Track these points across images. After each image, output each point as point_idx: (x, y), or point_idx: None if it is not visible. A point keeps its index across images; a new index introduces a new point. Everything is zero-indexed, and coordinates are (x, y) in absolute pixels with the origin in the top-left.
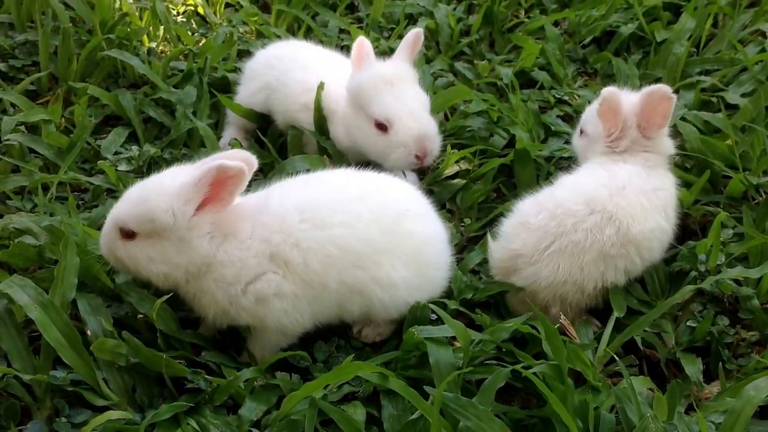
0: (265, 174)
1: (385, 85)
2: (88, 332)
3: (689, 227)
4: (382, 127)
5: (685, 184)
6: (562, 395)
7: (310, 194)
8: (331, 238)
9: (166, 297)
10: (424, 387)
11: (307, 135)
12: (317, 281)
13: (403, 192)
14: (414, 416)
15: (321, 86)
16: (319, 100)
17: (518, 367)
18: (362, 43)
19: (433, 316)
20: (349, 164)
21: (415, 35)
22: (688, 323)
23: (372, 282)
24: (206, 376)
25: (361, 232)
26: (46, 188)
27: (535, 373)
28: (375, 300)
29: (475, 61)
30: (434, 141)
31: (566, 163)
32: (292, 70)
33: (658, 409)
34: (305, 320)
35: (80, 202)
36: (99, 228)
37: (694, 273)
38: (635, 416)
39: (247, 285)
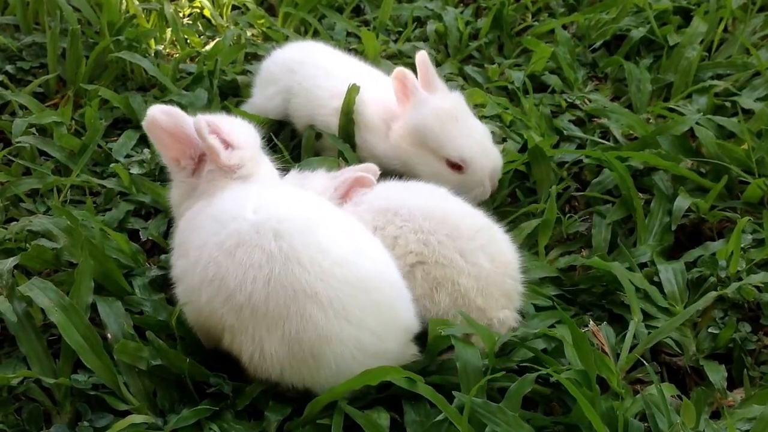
0: None
1: (451, 122)
2: (109, 336)
3: (704, 233)
4: (456, 166)
5: (701, 189)
6: (591, 402)
7: None
8: None
9: (186, 303)
10: (452, 392)
11: (325, 138)
12: None
13: None
14: (438, 418)
15: (355, 90)
16: (350, 105)
17: (549, 371)
18: (405, 75)
19: None
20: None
21: (422, 58)
22: (709, 330)
23: None
24: (228, 381)
25: None
26: (58, 191)
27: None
28: None
29: (484, 65)
30: (500, 172)
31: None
32: (315, 76)
33: (686, 416)
34: None
35: (93, 206)
36: (115, 230)
37: (713, 279)
38: (665, 424)
39: None
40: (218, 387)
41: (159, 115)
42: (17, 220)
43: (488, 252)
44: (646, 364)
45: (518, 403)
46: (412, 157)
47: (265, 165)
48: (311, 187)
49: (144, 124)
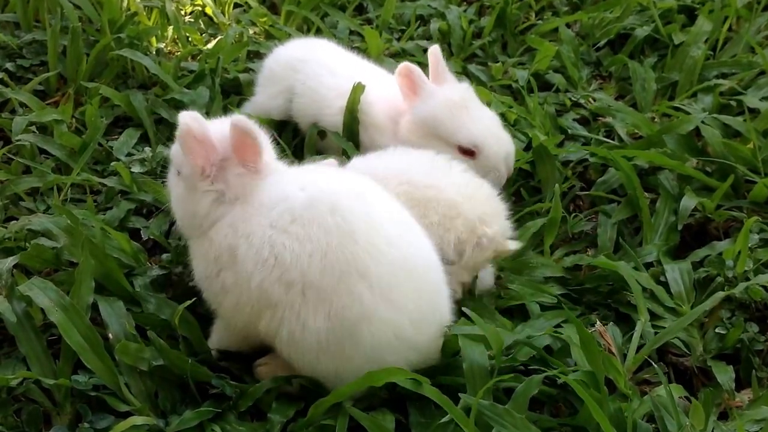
0: None
1: (460, 111)
2: (110, 336)
3: (710, 232)
4: (468, 153)
5: (706, 189)
6: (599, 404)
7: None
8: None
9: (188, 303)
10: (459, 394)
11: (330, 137)
12: None
13: None
14: (443, 420)
15: (360, 89)
16: (354, 102)
17: (557, 372)
18: (411, 70)
19: None
20: None
21: (434, 51)
22: (716, 330)
23: None
24: (231, 382)
25: None
26: (58, 190)
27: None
28: None
29: (488, 64)
30: (513, 157)
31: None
32: (320, 75)
33: (695, 418)
34: None
35: (94, 204)
36: (116, 230)
37: (720, 279)
38: (674, 426)
39: None
40: (221, 388)
41: (191, 122)
42: (17, 219)
43: (466, 180)
44: (655, 365)
45: (525, 404)
46: (425, 149)
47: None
48: None
49: (178, 133)
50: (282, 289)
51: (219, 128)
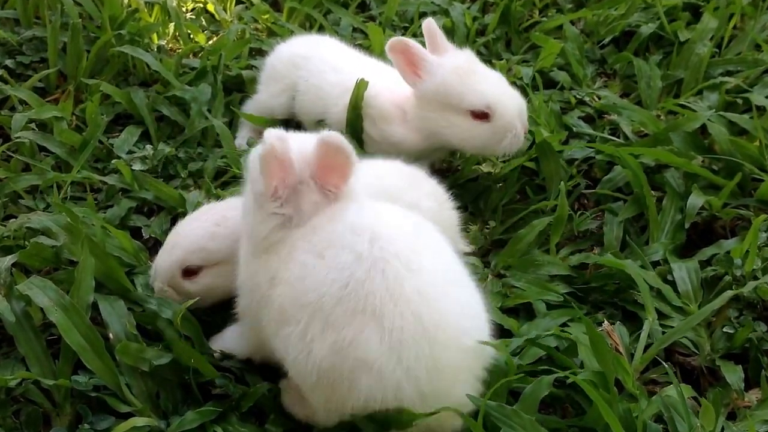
0: None
1: (469, 75)
2: (111, 335)
3: (717, 231)
4: (482, 116)
5: (713, 187)
6: (608, 405)
7: None
8: None
9: (191, 302)
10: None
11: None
12: None
13: None
14: None
15: (363, 85)
16: (358, 98)
17: (568, 374)
18: (407, 45)
19: None
20: None
21: (428, 25)
22: (724, 329)
23: None
24: (234, 383)
25: None
26: (58, 188)
27: (574, 382)
28: None
29: (492, 61)
30: (526, 114)
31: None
32: (323, 72)
33: (705, 418)
34: None
35: (94, 203)
36: (116, 228)
37: (728, 278)
38: (684, 427)
39: None
40: (224, 388)
41: (276, 142)
42: (16, 218)
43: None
44: (666, 365)
45: (535, 406)
46: (437, 122)
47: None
48: (234, 218)
49: (262, 152)
50: (296, 308)
51: (300, 146)
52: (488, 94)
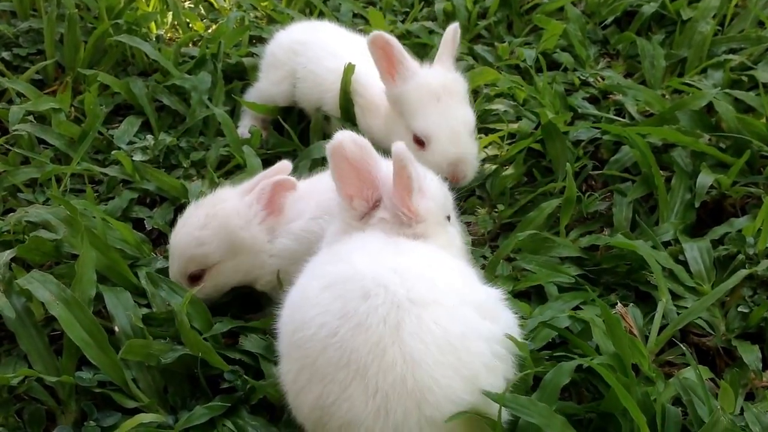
0: None
1: (430, 99)
2: (116, 329)
3: (726, 209)
4: (419, 142)
5: (721, 165)
6: (626, 389)
7: None
8: None
9: (197, 289)
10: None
11: (334, 121)
12: None
13: None
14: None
15: (351, 69)
16: (347, 83)
17: (587, 360)
18: (388, 42)
19: None
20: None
21: (452, 32)
22: (738, 309)
23: None
24: (244, 376)
25: None
26: (58, 180)
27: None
28: None
29: (494, 44)
30: (469, 166)
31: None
32: (321, 58)
33: (724, 400)
34: None
35: (95, 194)
36: (118, 220)
37: (741, 256)
38: (704, 410)
39: None
40: (233, 382)
41: (348, 142)
42: (16, 212)
43: None
44: (683, 347)
45: (556, 394)
46: (391, 128)
47: (443, 236)
48: (224, 211)
49: (328, 147)
50: (288, 346)
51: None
52: (431, 127)
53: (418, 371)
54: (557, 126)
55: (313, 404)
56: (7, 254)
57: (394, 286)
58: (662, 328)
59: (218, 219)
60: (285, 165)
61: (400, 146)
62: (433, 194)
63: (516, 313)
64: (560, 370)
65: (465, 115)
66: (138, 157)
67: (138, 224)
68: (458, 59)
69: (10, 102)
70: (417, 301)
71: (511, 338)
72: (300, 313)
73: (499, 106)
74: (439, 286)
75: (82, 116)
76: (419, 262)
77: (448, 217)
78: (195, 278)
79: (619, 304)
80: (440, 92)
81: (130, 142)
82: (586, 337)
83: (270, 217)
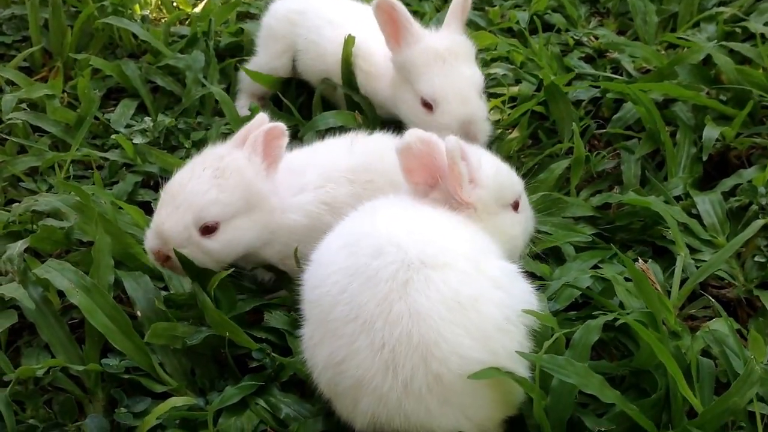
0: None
1: (436, 61)
2: (138, 313)
3: (731, 162)
4: (428, 105)
5: (723, 118)
6: (659, 344)
7: None
8: None
9: (229, 271)
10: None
11: (340, 90)
12: None
13: None
14: None
15: (351, 41)
16: (348, 55)
17: (618, 314)
18: (394, 7)
19: None
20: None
21: (462, 1)
22: (755, 259)
23: None
24: (272, 354)
25: None
26: (58, 168)
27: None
28: None
29: (485, 8)
30: (481, 126)
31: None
32: (320, 27)
33: (755, 349)
34: None
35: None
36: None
37: (754, 207)
38: (738, 360)
39: None
40: (261, 360)
41: (415, 142)
42: (18, 202)
43: None
44: (711, 299)
45: (587, 352)
46: (397, 94)
47: (493, 223)
48: (236, 162)
49: (398, 148)
50: (308, 305)
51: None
52: (438, 89)
53: (424, 326)
54: (560, 87)
55: (325, 362)
56: (21, 244)
57: (406, 245)
58: (682, 282)
59: (234, 169)
60: (262, 117)
61: (451, 140)
62: (486, 184)
63: (534, 280)
64: (588, 328)
65: (472, 75)
66: (138, 140)
67: (144, 207)
68: None
69: (0, 91)
70: (428, 263)
71: (533, 312)
72: (318, 270)
73: (497, 70)
74: (452, 252)
75: (75, 101)
76: (437, 228)
77: (516, 204)
78: (208, 231)
79: (640, 260)
80: (446, 55)
81: (128, 126)
82: (609, 295)
83: (270, 170)
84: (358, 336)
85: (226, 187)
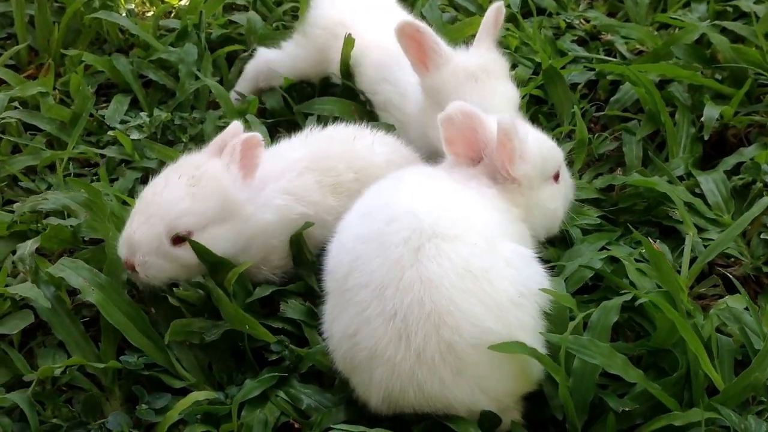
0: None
1: (468, 81)
2: (152, 310)
3: (728, 140)
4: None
5: (719, 97)
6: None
7: None
8: None
9: (247, 265)
10: (541, 333)
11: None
12: None
13: None
14: None
15: (351, 42)
16: (346, 56)
17: (639, 293)
18: (420, 31)
19: None
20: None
21: (495, 12)
22: (761, 236)
23: None
24: (291, 346)
25: None
26: (52, 167)
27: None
28: None
29: None
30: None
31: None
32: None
33: None
34: None
35: (94, 177)
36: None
37: (758, 185)
38: (756, 336)
39: None
40: (280, 353)
41: (457, 114)
42: (15, 202)
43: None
44: (731, 277)
45: (607, 333)
46: (428, 122)
47: (533, 196)
48: (212, 170)
49: (440, 118)
50: (327, 275)
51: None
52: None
53: (436, 293)
54: (558, 70)
55: (341, 335)
56: (31, 244)
57: (421, 213)
58: (691, 262)
59: (209, 178)
60: (237, 126)
61: (505, 119)
62: (532, 159)
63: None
64: (607, 309)
65: (507, 92)
66: (134, 135)
67: None
68: (441, 11)
69: None
70: (439, 234)
71: (550, 291)
72: (338, 239)
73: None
74: (466, 227)
75: (66, 98)
76: (456, 202)
77: (556, 175)
78: (179, 240)
79: (651, 240)
80: (478, 73)
81: (123, 121)
82: (619, 277)
83: (246, 179)
84: (370, 303)
85: (201, 196)
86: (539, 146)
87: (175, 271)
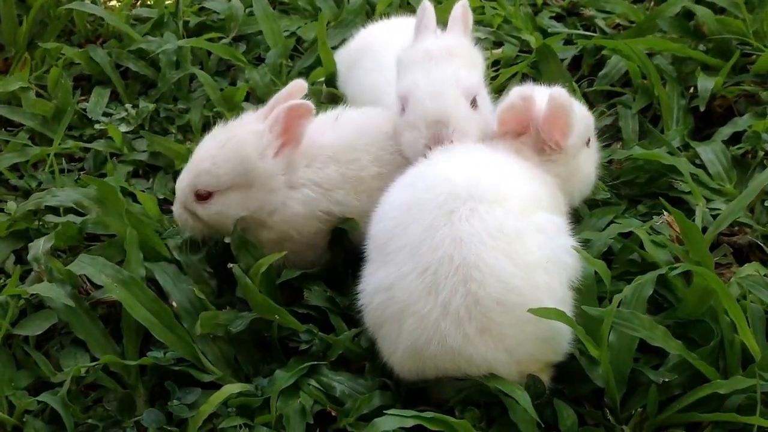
0: None
1: (425, 61)
2: (174, 304)
3: (715, 111)
4: (402, 104)
5: (706, 68)
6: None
7: None
8: None
9: (281, 255)
10: (582, 306)
11: None
12: None
13: None
14: None
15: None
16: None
17: (684, 266)
18: (425, 11)
19: None
20: None
21: (462, 9)
22: (765, 204)
23: None
24: (320, 334)
25: None
26: (36, 164)
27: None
28: None
29: None
30: (453, 128)
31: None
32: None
33: None
34: None
35: (81, 172)
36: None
37: (760, 153)
38: None
39: None
40: (309, 342)
41: (518, 101)
42: (3, 201)
43: None
44: (760, 243)
45: (643, 307)
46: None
47: (573, 163)
48: (240, 135)
49: (502, 107)
50: (369, 241)
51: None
52: (411, 87)
53: (465, 249)
54: (551, 47)
55: (377, 286)
56: (43, 243)
57: (457, 180)
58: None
59: (233, 143)
60: (299, 85)
61: (559, 91)
62: (578, 128)
63: None
64: (641, 284)
65: (456, 75)
66: (122, 128)
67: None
68: None
69: None
70: (476, 196)
71: (588, 258)
72: (382, 208)
73: (476, 34)
74: (503, 192)
75: (43, 92)
76: (495, 170)
77: (588, 140)
78: (201, 197)
79: (665, 212)
80: (432, 55)
81: (105, 114)
82: (630, 251)
83: (286, 148)
84: (406, 262)
85: (221, 159)
86: (582, 115)
87: (195, 225)
